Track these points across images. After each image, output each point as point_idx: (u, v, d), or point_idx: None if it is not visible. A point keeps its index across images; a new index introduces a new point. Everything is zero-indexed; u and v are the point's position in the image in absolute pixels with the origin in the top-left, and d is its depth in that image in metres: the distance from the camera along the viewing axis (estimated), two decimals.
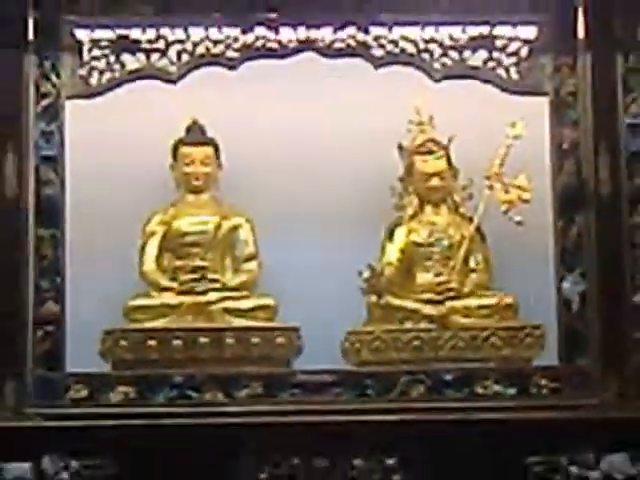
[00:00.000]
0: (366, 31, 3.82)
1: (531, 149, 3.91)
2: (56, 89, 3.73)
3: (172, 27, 3.82)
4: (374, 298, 3.84)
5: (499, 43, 3.85)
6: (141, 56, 3.81)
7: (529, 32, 3.88)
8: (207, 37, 3.81)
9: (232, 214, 4.02)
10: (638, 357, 3.66)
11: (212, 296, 3.83)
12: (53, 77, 3.72)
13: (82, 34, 3.78)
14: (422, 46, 3.84)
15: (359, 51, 3.84)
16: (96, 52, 3.81)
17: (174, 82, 3.80)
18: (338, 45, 3.83)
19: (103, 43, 3.81)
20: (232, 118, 4.03)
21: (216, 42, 3.82)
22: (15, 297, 3.60)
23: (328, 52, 3.85)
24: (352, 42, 3.83)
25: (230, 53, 3.82)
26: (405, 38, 3.84)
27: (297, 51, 3.85)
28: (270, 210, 4.04)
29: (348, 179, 4.08)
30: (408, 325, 3.81)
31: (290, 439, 3.54)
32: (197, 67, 3.83)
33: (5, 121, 3.65)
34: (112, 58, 3.80)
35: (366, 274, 3.81)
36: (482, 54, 3.86)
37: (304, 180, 4.08)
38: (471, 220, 3.96)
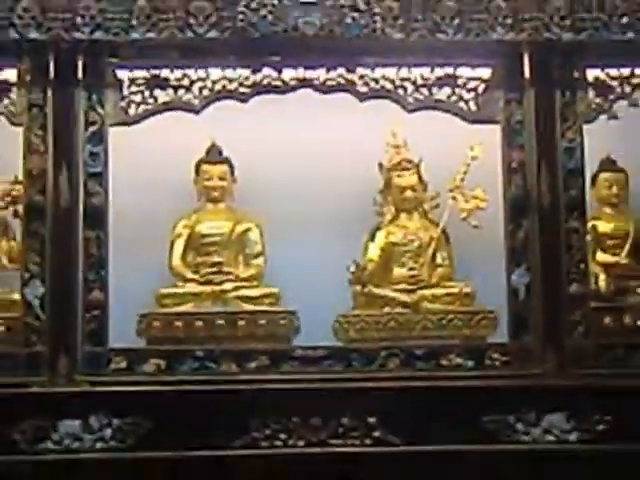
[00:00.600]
0: (352, 71, 3.84)
1: (486, 167, 3.94)
2: (101, 118, 3.76)
3: (195, 68, 3.84)
4: (359, 288, 3.91)
5: (460, 81, 3.89)
6: (170, 91, 3.83)
7: (485, 73, 3.90)
8: (224, 76, 3.83)
9: (243, 219, 4.07)
10: (572, 336, 3.71)
11: (227, 286, 3.91)
12: (99, 109, 3.75)
13: (122, 74, 3.82)
14: (398, 83, 3.87)
15: (347, 87, 3.87)
16: (133, 88, 3.84)
17: (197, 112, 3.84)
18: (330, 83, 3.86)
19: (139, 81, 3.83)
20: (244, 141, 4.05)
21: (231, 80, 3.84)
22: (68, 287, 3.66)
23: (322, 88, 3.87)
24: (341, 80, 3.85)
25: (242, 89, 3.84)
26: (384, 77, 3.86)
27: (296, 88, 3.87)
28: (275, 216, 4.05)
29: (338, 191, 4.12)
30: (386, 310, 3.89)
31: (290, 402, 3.59)
32: (215, 100, 3.85)
33: (61, 144, 3.69)
34: (146, 93, 3.83)
35: (352, 268, 3.88)
36: (446, 90, 3.89)
37: (303, 192, 4.10)
38: (437, 225, 4.04)
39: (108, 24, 3.65)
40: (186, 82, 3.85)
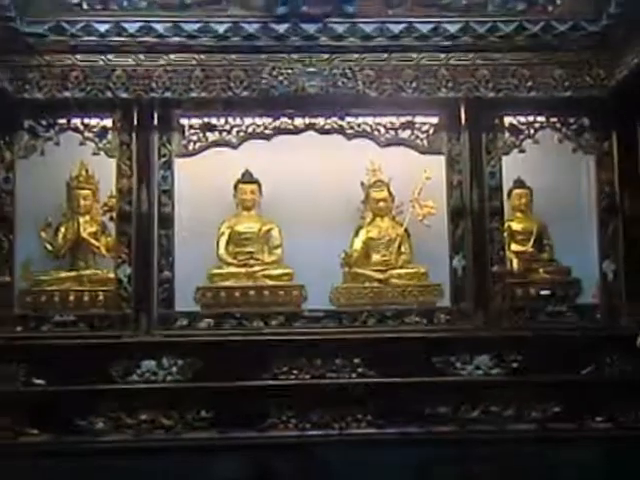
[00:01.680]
0: (342, 119, 3.90)
1: (435, 185, 3.95)
2: (169, 152, 3.84)
3: (234, 117, 3.89)
4: (347, 269, 3.96)
5: (417, 125, 3.93)
6: (216, 133, 3.89)
7: (434, 119, 3.93)
8: (253, 122, 3.89)
9: (267, 222, 4.07)
10: (494, 302, 3.77)
11: (256, 268, 3.94)
12: (168, 145, 3.83)
13: (184, 121, 3.88)
14: (374, 127, 3.93)
15: (339, 130, 3.92)
16: (191, 131, 3.88)
17: (235, 148, 3.91)
18: (327, 127, 3.91)
19: (195, 126, 3.89)
20: (267, 168, 4.04)
21: (258, 125, 3.90)
22: (147, 268, 3.73)
23: (321, 131, 3.92)
24: (335, 125, 3.91)
25: (266, 131, 3.91)
26: (365, 123, 3.92)
27: (304, 130, 3.92)
28: (289, 220, 4.04)
29: (333, 202, 4.07)
30: (366, 284, 3.93)
31: (300, 348, 3.66)
32: (248, 140, 3.91)
33: (141, 170, 3.76)
34: (200, 134, 3.89)
35: (343, 255, 3.94)
36: (407, 132, 3.94)
37: (308, 202, 4.03)
38: (402, 225, 4.05)
39: (174, 87, 3.76)
40: (227, 127, 3.92)
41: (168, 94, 3.77)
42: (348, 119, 3.95)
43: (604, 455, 3.66)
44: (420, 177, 4.02)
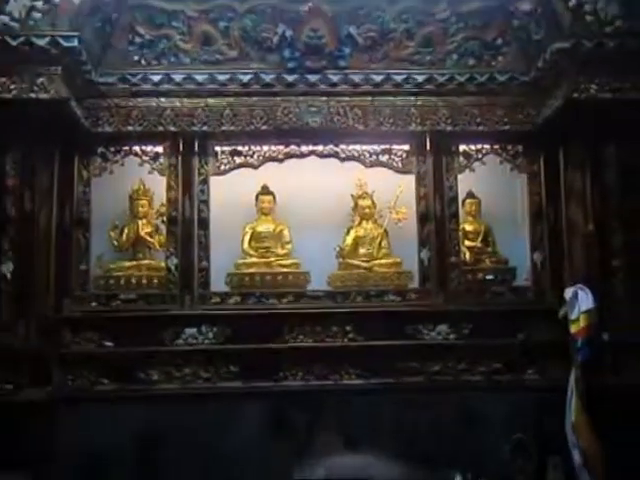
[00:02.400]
0: (337, 146, 3.93)
1: (408, 196, 3.96)
2: (206, 172, 3.87)
3: (255, 145, 3.91)
4: (341, 259, 3.97)
5: (393, 151, 3.96)
6: (242, 157, 3.92)
7: (406, 147, 3.94)
8: (270, 149, 3.92)
9: (280, 224, 4.04)
10: (451, 284, 3.81)
11: (272, 259, 3.94)
12: (205, 166, 3.87)
13: (217, 148, 3.90)
14: (361, 152, 3.95)
15: (334, 155, 3.95)
16: (223, 156, 3.91)
17: (256, 168, 3.94)
18: (325, 152, 3.94)
19: (226, 152, 3.91)
20: (281, 183, 4.02)
21: (274, 151, 3.93)
22: (189, 260, 3.77)
23: (321, 155, 3.95)
24: (332, 151, 3.94)
25: (280, 156, 3.93)
26: (354, 149, 3.94)
27: (308, 155, 3.95)
28: (296, 222, 4.04)
29: (330, 209, 4.04)
30: (355, 271, 3.94)
31: (304, 318, 3.73)
32: (265, 162, 3.94)
33: (185, 185, 3.80)
34: (229, 158, 3.91)
35: (337, 249, 3.96)
36: (386, 156, 3.95)
37: (311, 209, 4.00)
38: (382, 226, 4.04)
39: (210, 122, 3.79)
40: (250, 152, 3.93)
41: (205, 128, 3.81)
42: (341, 146, 3.96)
43: (534, 399, 3.65)
44: (395, 190, 4.00)
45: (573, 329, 3.39)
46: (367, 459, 3.48)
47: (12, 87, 3.33)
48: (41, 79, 3.33)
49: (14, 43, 3.27)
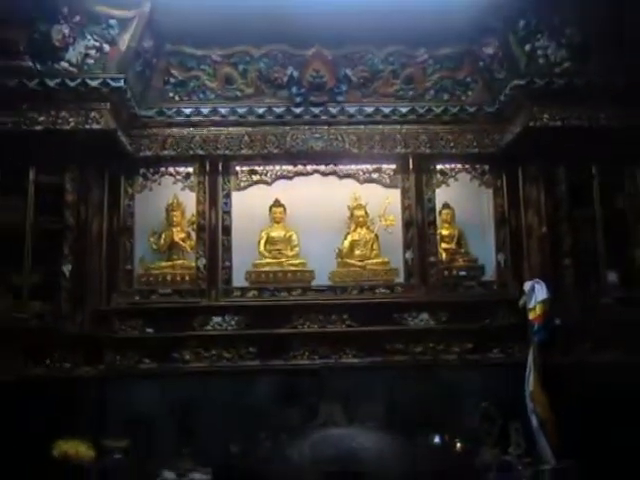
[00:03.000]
0: (336, 166, 3.92)
1: (394, 207, 3.94)
2: (228, 187, 3.86)
3: (268, 165, 3.91)
4: (339, 259, 3.92)
5: (383, 170, 3.95)
6: (258, 175, 3.92)
7: (393, 166, 3.90)
8: (281, 168, 3.92)
9: (289, 230, 3.96)
10: (431, 280, 3.78)
11: (282, 259, 3.87)
12: (227, 183, 3.86)
13: (237, 168, 3.89)
14: (356, 171, 3.94)
15: (334, 174, 3.95)
16: (242, 174, 3.91)
17: (269, 184, 3.94)
18: (327, 171, 3.94)
19: (245, 171, 3.91)
20: (290, 197, 3.97)
21: (284, 170, 3.93)
22: (214, 260, 3.75)
23: (323, 174, 3.95)
24: (331, 170, 3.94)
25: (289, 174, 3.94)
26: (350, 169, 3.94)
27: (313, 173, 3.95)
28: (303, 228, 3.97)
29: (331, 216, 3.97)
30: (351, 269, 3.87)
31: (310, 309, 3.71)
32: (277, 180, 3.94)
33: (211, 199, 3.82)
34: (248, 176, 3.91)
35: (337, 250, 3.92)
36: (377, 174, 3.95)
37: (316, 217, 3.95)
38: (373, 231, 3.96)
39: (231, 147, 3.79)
40: (264, 171, 3.93)
41: (227, 152, 3.80)
42: (339, 166, 3.94)
43: (499, 373, 3.59)
44: (384, 202, 3.96)
45: (531, 316, 3.41)
46: (350, 431, 3.30)
47: (70, 120, 3.38)
48: (93, 113, 3.38)
49: (72, 84, 3.35)
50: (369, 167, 3.98)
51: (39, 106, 3.29)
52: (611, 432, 3.02)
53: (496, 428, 3.43)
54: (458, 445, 3.43)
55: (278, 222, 4.00)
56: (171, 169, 3.90)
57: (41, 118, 3.30)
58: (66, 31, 3.29)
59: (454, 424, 3.51)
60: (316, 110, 3.79)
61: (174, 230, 3.88)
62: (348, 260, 3.94)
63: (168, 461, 3.33)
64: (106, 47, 3.34)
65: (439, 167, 3.95)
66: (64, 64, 3.31)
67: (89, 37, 3.34)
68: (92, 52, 3.36)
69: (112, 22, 3.31)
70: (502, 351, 3.65)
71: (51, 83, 3.27)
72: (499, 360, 3.63)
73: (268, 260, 3.92)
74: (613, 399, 3.05)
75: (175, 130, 3.79)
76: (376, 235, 4.01)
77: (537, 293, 3.36)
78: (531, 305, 3.39)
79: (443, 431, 3.47)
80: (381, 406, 3.61)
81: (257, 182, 3.96)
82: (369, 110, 3.80)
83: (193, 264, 3.82)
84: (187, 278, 3.80)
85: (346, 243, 3.99)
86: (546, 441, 3.20)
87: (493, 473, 3.20)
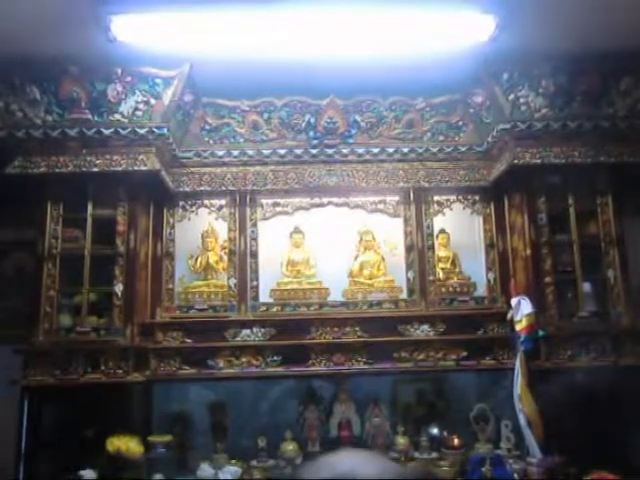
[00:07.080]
0: (347, 198, 3.96)
1: (398, 233, 3.96)
2: (255, 218, 3.90)
3: (289, 198, 3.97)
4: (351, 278, 3.86)
5: (387, 202, 3.98)
6: (280, 207, 3.98)
7: (395, 198, 3.98)
8: (300, 201, 3.98)
9: (307, 251, 3.92)
10: (430, 296, 3.78)
11: (302, 279, 3.84)
12: (253, 214, 3.91)
13: (263, 201, 3.95)
14: (364, 202, 3.98)
15: (345, 205, 4.00)
16: (267, 206, 3.96)
17: (291, 215, 3.97)
18: (339, 203, 3.99)
19: (269, 204, 3.96)
20: (308, 225, 3.95)
21: (302, 203, 3.98)
22: (243, 279, 3.79)
23: (336, 205, 3.99)
24: (343, 202, 3.98)
25: (306, 206, 3.99)
26: (360, 200, 3.98)
27: (327, 205, 4.00)
28: (320, 252, 3.93)
29: (343, 241, 3.94)
30: (361, 286, 3.83)
31: (326, 321, 3.67)
32: (297, 210, 3.99)
33: (241, 227, 3.88)
34: (272, 208, 3.97)
35: (348, 271, 3.87)
36: (382, 204, 3.98)
37: (330, 242, 3.93)
38: (380, 254, 3.92)
39: (258, 183, 3.83)
40: (286, 204, 3.98)
41: (254, 187, 3.83)
42: (350, 198, 3.96)
43: (490, 378, 3.67)
44: (389, 229, 3.97)
45: (518, 327, 3.37)
46: (355, 458, 3.20)
47: (122, 162, 3.45)
48: (141, 156, 3.42)
49: (123, 132, 3.43)
50: (376, 199, 4.00)
51: (96, 151, 3.37)
52: (588, 427, 3.01)
53: (489, 426, 3.46)
54: (456, 440, 3.45)
55: (298, 246, 3.99)
56: (206, 202, 3.94)
57: (97, 161, 3.38)
58: (119, 89, 3.41)
59: (452, 422, 3.56)
60: (330, 151, 3.83)
61: (209, 254, 3.87)
62: (358, 279, 3.92)
63: (205, 455, 3.38)
64: (152, 101, 3.36)
65: (436, 198, 3.97)
66: (117, 116, 3.38)
67: (138, 93, 3.43)
68: (140, 106, 3.43)
69: (157, 80, 3.36)
70: (493, 358, 3.63)
71: (106, 132, 3.35)
72: (491, 366, 3.61)
73: (289, 279, 3.90)
74: (589, 398, 3.06)
75: (210, 169, 3.83)
76: (382, 257, 3.99)
77: (523, 307, 3.35)
78: (518, 318, 3.38)
79: (442, 428, 3.52)
80: (388, 406, 3.66)
81: (280, 213, 3.98)
82: (375, 150, 3.84)
83: (225, 283, 3.83)
84: (220, 295, 3.80)
85: (356, 264, 3.97)
86: (533, 437, 3.20)
87: (487, 465, 3.28)
